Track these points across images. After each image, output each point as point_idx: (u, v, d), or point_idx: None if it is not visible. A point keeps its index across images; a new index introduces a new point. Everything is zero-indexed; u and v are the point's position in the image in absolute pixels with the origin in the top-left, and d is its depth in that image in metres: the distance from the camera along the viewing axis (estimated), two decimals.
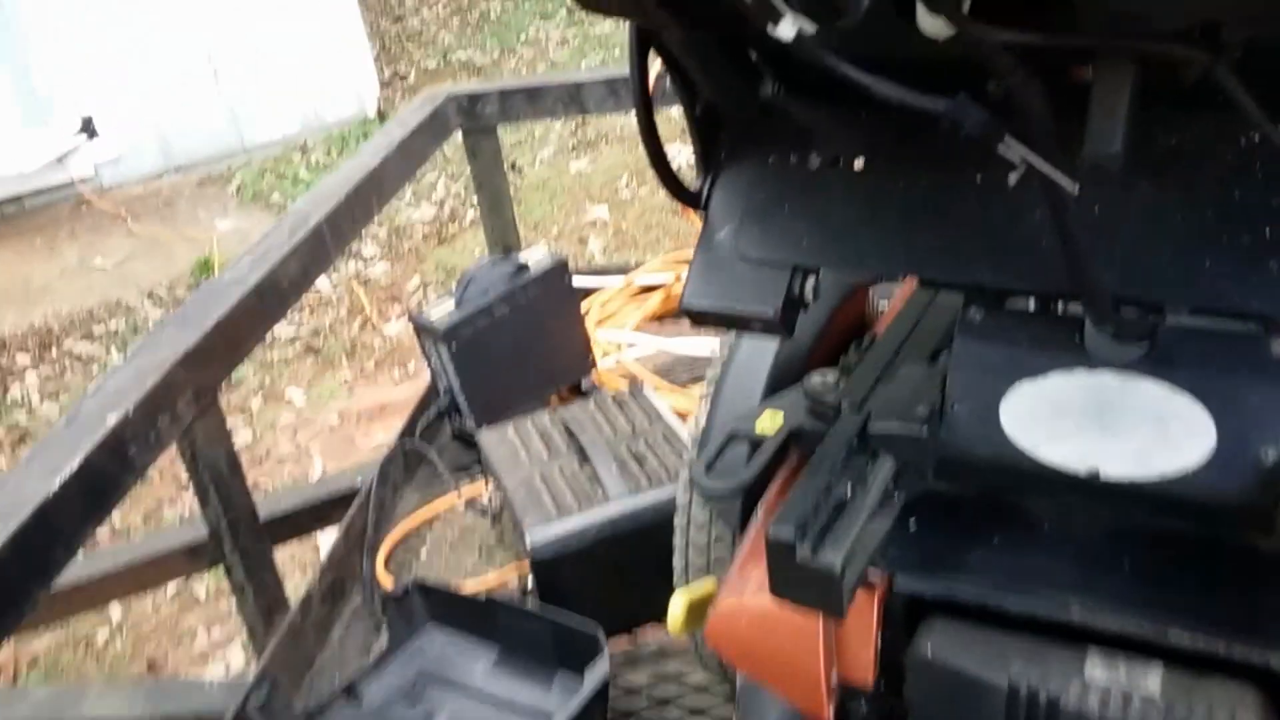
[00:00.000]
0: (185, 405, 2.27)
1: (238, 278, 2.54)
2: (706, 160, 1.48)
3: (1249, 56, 0.98)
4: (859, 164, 1.40)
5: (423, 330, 2.99)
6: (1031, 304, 1.42)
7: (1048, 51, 1.02)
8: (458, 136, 3.46)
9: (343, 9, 8.95)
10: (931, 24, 1.03)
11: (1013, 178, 0.96)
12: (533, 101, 3.40)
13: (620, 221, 6.83)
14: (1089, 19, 0.95)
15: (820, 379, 1.60)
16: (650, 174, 1.47)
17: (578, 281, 3.83)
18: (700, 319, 1.47)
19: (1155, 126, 1.16)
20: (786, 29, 0.80)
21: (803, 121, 1.45)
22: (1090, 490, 1.27)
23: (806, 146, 1.44)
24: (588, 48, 9.93)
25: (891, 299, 1.86)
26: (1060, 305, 1.40)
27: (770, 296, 1.40)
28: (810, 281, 1.43)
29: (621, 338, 3.53)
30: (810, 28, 0.82)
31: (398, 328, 6.33)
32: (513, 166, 7.76)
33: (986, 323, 1.33)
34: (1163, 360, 1.23)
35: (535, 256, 3.07)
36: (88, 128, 7.79)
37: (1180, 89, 1.13)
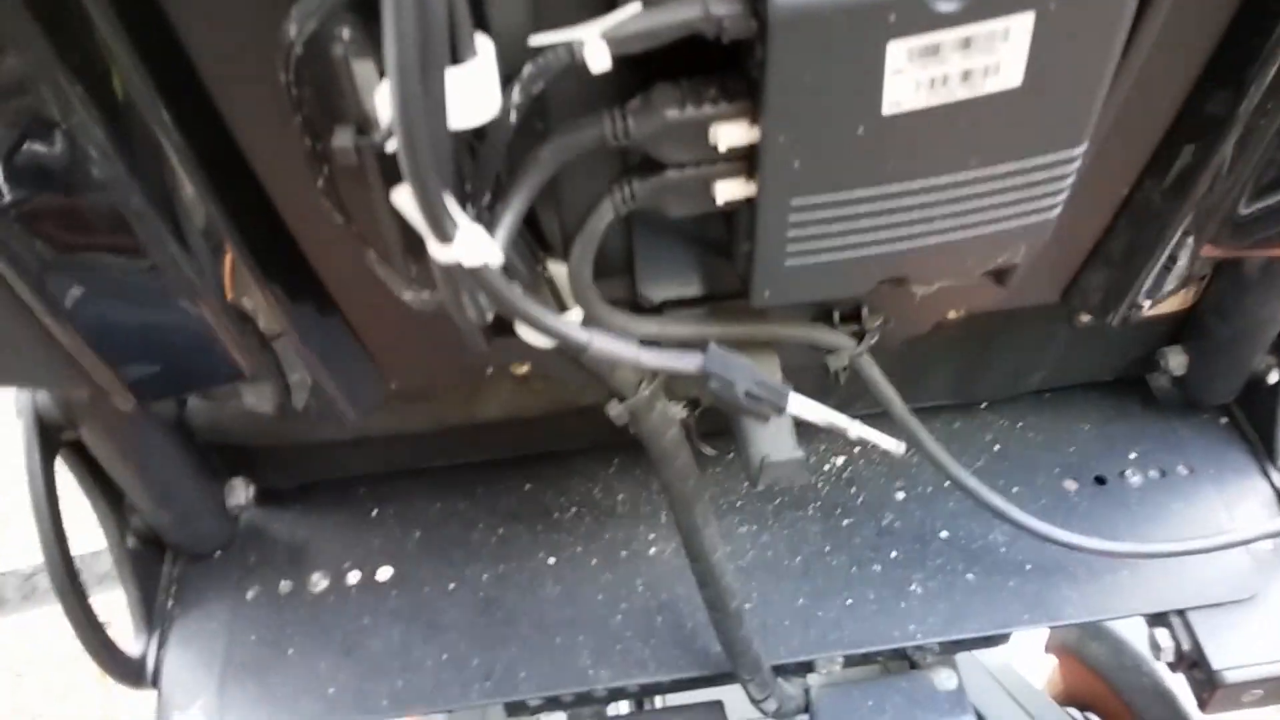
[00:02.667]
0: None
1: None
2: (148, 612, 0.98)
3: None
4: (384, 574, 1.02)
5: None
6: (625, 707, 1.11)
7: None
8: None
9: None
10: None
11: None
12: None
13: None
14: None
15: None
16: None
17: None
18: None
19: None
20: None
21: (293, 538, 1.05)
22: None
23: (302, 565, 1.03)
24: None
25: None
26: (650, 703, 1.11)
27: None
28: None
29: None
30: None
31: None
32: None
33: None
34: None
35: None
36: None
37: None
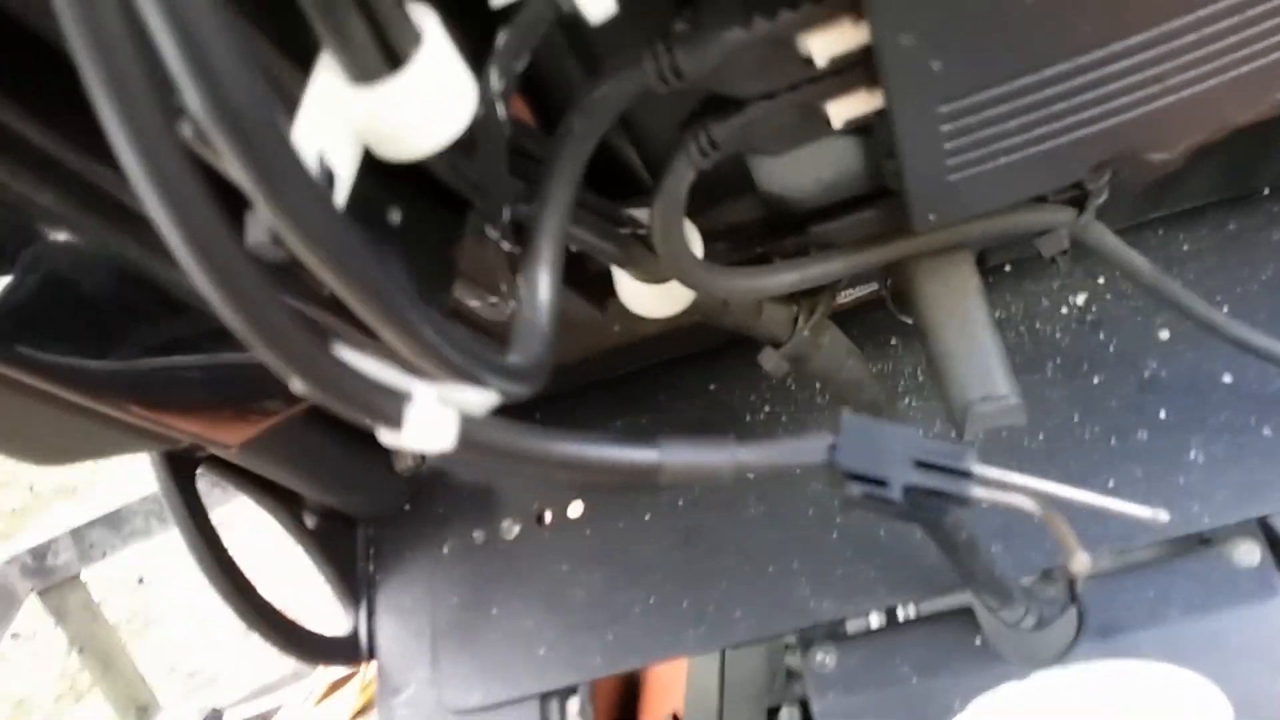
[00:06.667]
0: None
1: None
2: (350, 588, 0.95)
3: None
4: (575, 510, 0.94)
5: None
6: (874, 620, 0.99)
7: None
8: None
9: None
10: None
11: None
12: (116, 528, 2.70)
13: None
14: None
15: None
16: None
17: (248, 711, 3.08)
18: None
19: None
20: None
21: (478, 481, 0.98)
22: None
23: (491, 512, 0.96)
24: None
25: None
26: (903, 610, 0.99)
27: None
28: (572, 705, 0.92)
29: None
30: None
31: None
32: (139, 581, 6.69)
33: (845, 667, 0.88)
34: (1107, 631, 0.83)
35: (176, 719, 2.33)
36: None
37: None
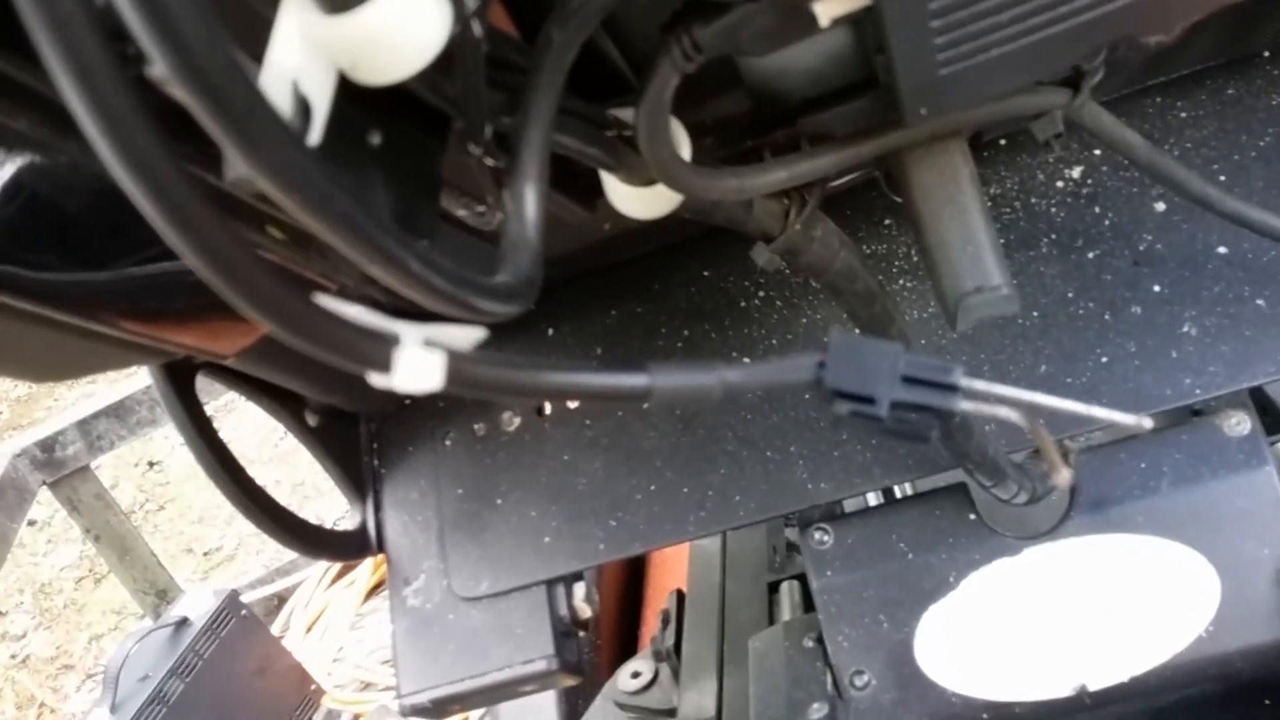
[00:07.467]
0: None
1: None
2: (356, 483, 0.97)
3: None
4: (575, 400, 0.95)
5: None
6: (870, 497, 1.02)
7: None
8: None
9: None
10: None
11: None
12: (123, 418, 2.73)
13: (305, 474, 6.04)
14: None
15: (631, 674, 1.13)
16: None
17: (265, 592, 3.17)
18: (440, 712, 0.94)
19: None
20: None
21: None
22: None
23: (491, 404, 0.97)
24: None
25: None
26: (899, 489, 1.01)
27: (534, 638, 0.91)
28: (579, 590, 0.95)
29: None
30: None
31: (86, 700, 5.18)
32: (150, 465, 6.77)
33: (843, 544, 0.90)
34: (1098, 504, 0.84)
35: (195, 601, 2.41)
36: None
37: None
